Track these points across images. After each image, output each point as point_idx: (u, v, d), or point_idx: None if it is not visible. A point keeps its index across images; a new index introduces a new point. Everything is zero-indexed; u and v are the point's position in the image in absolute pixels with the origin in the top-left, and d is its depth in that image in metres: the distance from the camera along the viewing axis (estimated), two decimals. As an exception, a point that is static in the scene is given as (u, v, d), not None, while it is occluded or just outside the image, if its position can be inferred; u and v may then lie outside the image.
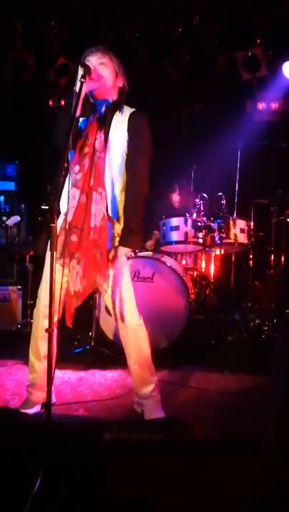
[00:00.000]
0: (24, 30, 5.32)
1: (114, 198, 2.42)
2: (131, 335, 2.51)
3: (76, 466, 1.93)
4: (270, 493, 0.65)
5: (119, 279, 2.49)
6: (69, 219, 2.32)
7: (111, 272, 2.45)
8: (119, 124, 2.40)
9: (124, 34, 5.35)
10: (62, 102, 5.51)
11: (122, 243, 2.46)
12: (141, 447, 1.73)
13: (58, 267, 2.32)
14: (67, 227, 2.31)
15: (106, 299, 2.53)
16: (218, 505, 1.58)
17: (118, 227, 2.47)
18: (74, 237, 2.33)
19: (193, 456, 1.69)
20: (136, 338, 2.52)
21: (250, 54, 5.18)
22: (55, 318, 2.51)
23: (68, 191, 2.28)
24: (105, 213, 2.36)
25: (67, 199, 2.31)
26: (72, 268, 2.35)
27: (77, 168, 2.32)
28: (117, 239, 2.48)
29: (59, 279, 2.34)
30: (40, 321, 2.47)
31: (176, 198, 5.06)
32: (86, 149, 2.32)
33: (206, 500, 1.58)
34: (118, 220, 2.47)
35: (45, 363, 2.26)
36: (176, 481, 1.61)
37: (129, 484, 1.62)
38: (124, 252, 2.47)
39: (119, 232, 2.47)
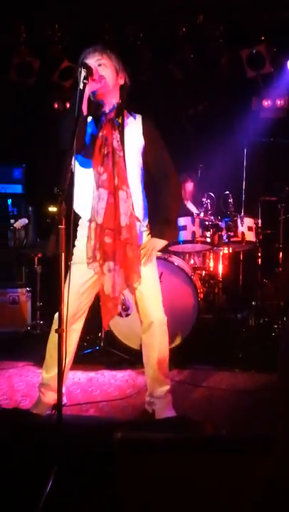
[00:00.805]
0: (28, 34, 5.35)
1: (137, 196, 2.44)
2: (157, 331, 2.52)
3: (87, 466, 1.93)
4: (280, 491, 0.65)
5: (151, 274, 2.51)
6: (100, 221, 2.33)
7: (144, 268, 2.46)
8: (134, 127, 2.44)
9: (128, 35, 5.35)
10: (68, 105, 5.52)
11: (157, 235, 2.49)
12: (152, 446, 1.73)
13: (85, 270, 2.35)
14: (98, 230, 2.33)
15: (137, 295, 2.52)
16: (230, 504, 1.57)
17: (142, 224, 2.49)
18: (108, 239, 2.35)
19: (205, 455, 1.69)
20: (160, 335, 2.53)
21: (254, 51, 5.17)
22: (81, 322, 2.52)
23: (88, 194, 2.29)
24: (132, 211, 2.38)
25: (93, 201, 2.34)
26: (107, 271, 2.36)
27: (101, 169, 2.34)
28: (146, 233, 2.52)
29: (86, 283, 2.39)
30: (68, 326, 2.46)
31: (189, 186, 5.04)
32: (105, 149, 2.34)
33: (218, 499, 1.58)
34: (142, 218, 2.50)
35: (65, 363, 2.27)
36: (187, 480, 1.61)
37: (140, 484, 1.62)
38: (160, 244, 2.50)
39: (144, 227, 2.51)
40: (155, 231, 2.51)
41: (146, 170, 2.50)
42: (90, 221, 2.37)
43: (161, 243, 2.50)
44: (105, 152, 2.34)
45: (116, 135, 2.36)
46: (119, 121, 2.39)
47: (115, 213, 2.34)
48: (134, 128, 2.44)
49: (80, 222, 2.46)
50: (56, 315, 2.45)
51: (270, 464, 0.65)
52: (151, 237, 2.52)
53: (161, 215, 2.51)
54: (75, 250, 2.45)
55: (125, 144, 2.39)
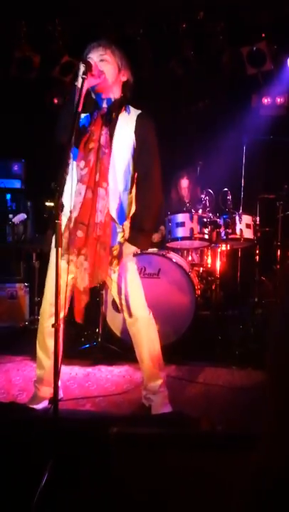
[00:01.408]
0: (28, 29, 5.34)
1: (117, 195, 2.42)
2: (142, 328, 2.52)
3: (83, 460, 1.94)
4: (266, 480, 0.65)
5: (125, 274, 2.50)
6: (75, 215, 2.33)
7: (116, 268, 2.47)
8: (126, 123, 2.40)
9: (129, 31, 5.34)
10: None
11: (130, 241, 2.47)
12: (147, 442, 1.74)
13: (63, 264, 2.34)
14: (72, 223, 2.33)
15: (114, 294, 2.54)
16: (225, 500, 1.58)
17: (126, 224, 2.48)
18: (80, 233, 2.34)
19: (200, 451, 1.70)
20: (146, 331, 2.53)
21: (255, 48, 5.16)
22: (61, 315, 2.53)
23: (72, 187, 2.28)
24: (108, 209, 2.37)
25: (72, 195, 2.32)
26: (79, 265, 2.36)
27: (82, 163, 2.33)
28: (120, 235, 2.49)
29: (64, 276, 2.37)
30: (47, 318, 2.48)
31: (184, 183, 5.03)
32: (91, 144, 2.32)
33: (213, 495, 1.59)
34: (126, 218, 2.49)
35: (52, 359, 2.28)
36: (183, 476, 1.62)
37: (135, 479, 1.63)
38: (131, 250, 2.48)
39: (125, 228, 2.48)
40: (128, 237, 2.48)
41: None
42: (70, 213, 2.36)
43: (132, 249, 2.48)
44: (90, 147, 2.32)
45: (105, 131, 2.33)
46: (113, 116, 2.36)
47: (91, 209, 2.33)
48: (126, 124, 2.40)
49: (64, 211, 2.45)
50: (42, 310, 2.49)
51: (257, 453, 0.66)
52: (125, 240, 2.49)
53: (135, 223, 2.47)
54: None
55: (114, 141, 2.36)
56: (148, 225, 2.48)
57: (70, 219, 2.35)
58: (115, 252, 2.46)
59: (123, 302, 2.52)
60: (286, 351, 0.71)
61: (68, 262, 2.32)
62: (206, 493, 1.58)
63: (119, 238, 2.50)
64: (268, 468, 0.66)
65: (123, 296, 2.51)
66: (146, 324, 2.54)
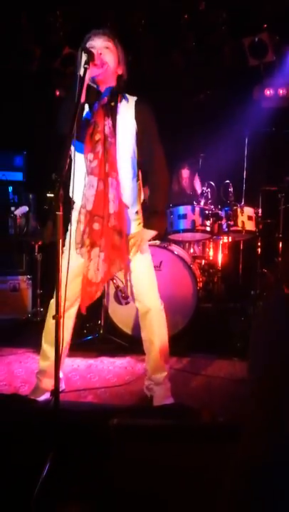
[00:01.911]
0: (29, 21, 5.31)
1: (128, 183, 2.43)
2: (154, 319, 2.54)
3: (84, 452, 1.95)
4: (249, 469, 0.66)
5: (143, 262, 2.52)
6: (89, 208, 2.34)
7: (134, 257, 2.47)
8: (126, 111, 2.40)
9: (130, 22, 5.30)
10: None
11: (147, 226, 2.50)
12: (148, 433, 1.74)
13: (75, 256, 2.35)
14: (87, 216, 2.33)
15: (134, 283, 2.54)
16: (225, 491, 1.59)
17: (130, 212, 2.48)
18: (96, 226, 2.35)
19: (202, 442, 1.71)
20: (158, 322, 2.55)
21: (256, 39, 5.12)
22: (74, 308, 2.54)
23: (72, 180, 2.28)
24: (121, 198, 2.38)
25: (83, 188, 2.33)
26: (94, 256, 2.37)
27: (91, 155, 2.32)
28: (136, 222, 2.51)
29: (76, 268, 2.38)
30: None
31: (185, 173, 5.04)
32: (97, 136, 2.32)
33: (214, 487, 1.60)
34: (138, 204, 2.51)
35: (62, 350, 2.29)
36: (183, 467, 1.63)
37: (136, 469, 1.64)
38: (150, 234, 2.51)
39: (133, 216, 2.50)
40: (145, 222, 2.52)
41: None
42: (82, 207, 2.37)
43: (150, 233, 2.51)
44: (96, 139, 2.32)
45: (108, 121, 2.33)
46: (112, 105, 2.36)
47: (104, 200, 2.34)
48: (126, 112, 2.40)
49: (74, 206, 2.46)
50: (52, 301, 2.48)
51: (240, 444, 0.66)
52: (143, 227, 2.53)
53: (150, 207, 2.52)
54: (68, 235, 2.45)
55: (118, 130, 2.36)
56: (161, 207, 2.53)
57: (83, 213, 2.36)
58: (133, 241, 2.47)
59: (139, 291, 2.52)
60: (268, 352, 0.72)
61: (83, 255, 2.34)
62: (206, 484, 1.59)
63: (136, 226, 2.51)
64: (251, 457, 0.67)
65: (140, 286, 2.52)
66: (159, 315, 2.56)
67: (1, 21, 5.19)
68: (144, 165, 2.49)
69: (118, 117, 2.37)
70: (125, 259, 2.43)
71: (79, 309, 2.53)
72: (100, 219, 2.34)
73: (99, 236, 2.35)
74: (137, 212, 2.52)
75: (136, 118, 2.39)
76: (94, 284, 2.39)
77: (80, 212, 2.37)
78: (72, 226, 2.45)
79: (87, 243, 2.36)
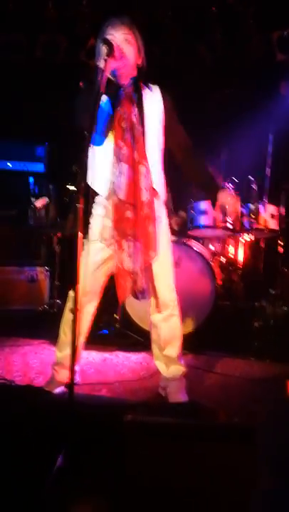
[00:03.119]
0: (55, 11, 5.29)
1: (157, 171, 2.41)
2: (170, 312, 2.50)
3: (97, 445, 1.94)
4: None
5: (167, 255, 2.49)
6: (121, 196, 2.30)
7: (161, 249, 2.43)
8: (152, 99, 2.39)
9: (157, 13, 5.24)
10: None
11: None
12: (161, 430, 1.72)
13: (96, 249, 2.33)
14: (120, 205, 2.31)
15: (154, 275, 2.47)
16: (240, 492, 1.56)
17: (160, 201, 2.46)
18: (129, 214, 2.31)
19: (216, 441, 1.68)
20: (173, 316, 2.52)
21: (285, 33, 5.02)
22: (95, 302, 2.51)
23: (93, 172, 2.25)
24: (152, 187, 2.36)
25: (112, 177, 2.30)
26: (126, 247, 2.32)
27: (121, 143, 2.30)
28: (164, 212, 2.50)
29: (97, 262, 2.36)
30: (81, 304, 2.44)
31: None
32: (124, 124, 2.30)
33: (226, 485, 1.57)
34: (162, 194, 2.48)
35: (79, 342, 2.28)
36: (197, 466, 1.61)
37: (149, 467, 1.62)
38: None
39: (162, 206, 2.49)
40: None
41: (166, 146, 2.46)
42: (110, 196, 2.34)
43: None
44: (124, 126, 2.30)
45: (134, 110, 2.31)
46: (137, 95, 2.34)
47: (135, 188, 2.31)
48: (152, 101, 2.39)
49: (97, 199, 2.43)
50: (71, 293, 2.46)
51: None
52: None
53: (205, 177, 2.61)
54: (91, 228, 2.42)
55: (145, 119, 2.34)
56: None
57: (113, 202, 2.32)
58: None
59: (160, 284, 2.47)
60: None
61: (114, 245, 2.31)
62: (219, 483, 1.56)
63: (165, 216, 2.50)
64: None
65: (161, 278, 2.47)
66: (175, 310, 2.52)
67: (27, 11, 5.19)
68: (178, 151, 2.52)
69: (145, 106, 2.35)
70: (156, 247, 2.38)
71: (101, 303, 2.51)
72: (132, 207, 2.31)
73: (131, 225, 2.31)
74: (165, 200, 2.51)
75: (163, 104, 2.40)
76: (132, 274, 2.34)
77: (110, 203, 2.34)
78: (96, 219, 2.43)
79: (116, 234, 2.33)
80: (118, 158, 2.31)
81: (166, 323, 2.52)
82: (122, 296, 2.40)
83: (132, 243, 2.32)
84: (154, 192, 2.37)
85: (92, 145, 2.26)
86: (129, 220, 2.31)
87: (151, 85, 2.42)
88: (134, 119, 2.31)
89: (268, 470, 0.67)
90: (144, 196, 2.31)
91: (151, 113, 2.37)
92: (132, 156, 2.30)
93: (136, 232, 2.32)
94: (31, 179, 4.95)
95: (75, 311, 1.90)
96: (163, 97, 2.41)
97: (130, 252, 2.32)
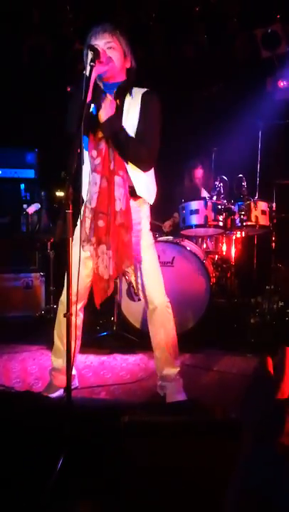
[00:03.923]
0: (40, 16, 5.30)
1: (140, 177, 2.42)
2: (160, 316, 2.53)
3: (97, 447, 1.95)
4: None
5: (150, 259, 2.52)
6: (93, 205, 2.33)
7: (142, 254, 2.47)
8: (132, 106, 2.36)
9: (141, 15, 5.26)
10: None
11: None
12: (160, 430, 1.74)
13: (85, 254, 2.34)
14: (91, 213, 2.33)
15: (134, 281, 2.53)
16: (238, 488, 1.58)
17: (146, 208, 2.50)
18: (101, 223, 2.34)
19: (214, 439, 1.70)
20: (164, 319, 2.54)
21: (269, 31, 5.05)
22: (81, 304, 2.54)
23: (81, 177, 2.26)
24: (128, 196, 2.36)
25: (88, 185, 2.32)
26: (101, 253, 2.36)
27: (94, 153, 2.31)
28: (147, 220, 2.52)
29: (86, 267, 2.39)
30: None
31: (199, 173, 5.00)
32: (100, 133, 2.30)
33: (226, 484, 1.59)
34: (148, 199, 2.50)
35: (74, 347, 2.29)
36: (195, 464, 1.62)
37: (147, 465, 1.63)
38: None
39: (147, 212, 2.52)
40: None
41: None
42: (87, 203, 2.36)
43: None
44: (100, 136, 2.30)
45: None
46: (118, 103, 2.32)
47: (109, 198, 2.32)
48: (132, 107, 2.36)
49: (84, 203, 2.46)
50: (62, 299, 2.48)
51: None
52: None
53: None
54: (76, 231, 2.43)
55: (125, 128, 2.32)
56: (123, 135, 2.28)
57: (89, 209, 2.35)
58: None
59: (146, 288, 2.51)
60: None
61: (91, 252, 2.33)
62: (218, 481, 1.58)
63: (147, 223, 2.52)
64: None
65: (146, 282, 2.50)
66: (167, 311, 2.55)
67: (12, 17, 5.20)
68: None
69: (124, 114, 2.34)
70: (132, 256, 2.42)
71: (91, 306, 2.53)
72: (105, 216, 2.33)
73: (104, 233, 2.34)
74: (149, 208, 2.53)
75: (141, 109, 2.34)
76: (104, 281, 2.38)
77: (84, 210, 2.37)
78: (79, 224, 2.45)
79: (93, 240, 2.35)
80: (92, 168, 2.32)
81: (158, 325, 2.54)
82: (97, 301, 2.42)
83: (104, 250, 2.35)
84: (129, 201, 2.36)
85: (84, 150, 2.29)
86: (101, 229, 2.34)
87: (136, 90, 2.38)
88: None
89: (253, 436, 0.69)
90: (118, 206, 2.33)
91: (131, 121, 2.34)
92: (107, 166, 2.30)
93: (109, 241, 2.34)
94: (22, 186, 4.96)
95: (68, 317, 1.92)
96: (144, 100, 2.34)
97: (104, 259, 2.36)
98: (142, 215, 2.50)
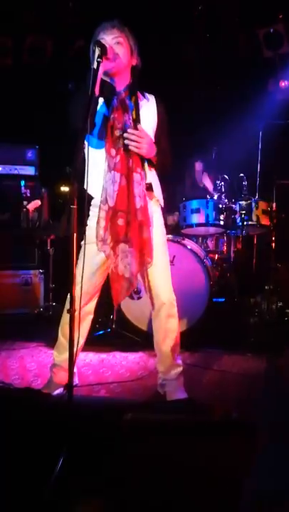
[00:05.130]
0: (40, 14, 5.28)
1: (153, 176, 2.45)
2: (167, 311, 2.51)
3: (97, 446, 1.95)
4: None
5: (163, 255, 2.52)
6: (111, 204, 2.32)
7: (156, 250, 2.45)
8: (148, 109, 2.42)
9: (141, 13, 5.24)
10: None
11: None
12: (161, 428, 1.73)
13: (94, 250, 2.35)
14: (110, 213, 2.32)
15: (151, 275, 2.49)
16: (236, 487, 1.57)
17: (157, 205, 2.51)
18: (121, 221, 2.33)
19: (214, 437, 1.69)
20: (171, 315, 2.53)
21: (271, 30, 5.05)
22: (93, 304, 2.53)
23: (87, 174, 2.26)
24: (146, 193, 2.37)
25: (105, 185, 2.32)
26: (121, 252, 2.34)
27: (113, 151, 2.31)
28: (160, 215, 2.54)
29: (96, 263, 2.39)
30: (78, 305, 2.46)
31: (199, 166, 5.02)
32: (117, 132, 2.30)
33: (227, 482, 1.58)
34: (159, 198, 2.52)
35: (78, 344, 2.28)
36: (197, 463, 1.62)
37: (148, 464, 1.63)
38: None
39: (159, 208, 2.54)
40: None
41: None
42: (102, 203, 2.35)
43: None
44: (117, 135, 2.30)
45: (128, 117, 2.31)
46: (132, 102, 2.34)
47: (128, 196, 2.32)
48: (148, 109, 2.41)
49: (93, 201, 2.44)
50: (68, 295, 2.46)
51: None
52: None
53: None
54: (88, 230, 2.43)
55: (140, 126, 2.34)
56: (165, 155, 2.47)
57: (104, 209, 2.34)
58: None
59: (156, 283, 2.49)
60: None
61: (106, 252, 2.33)
62: (219, 480, 1.58)
63: (159, 217, 2.54)
64: None
65: (158, 279, 2.49)
66: (174, 308, 2.54)
67: (13, 14, 5.17)
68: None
69: (141, 113, 2.36)
70: (152, 253, 2.41)
71: (97, 305, 2.52)
72: (124, 214, 2.32)
73: (123, 231, 2.33)
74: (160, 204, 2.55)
75: (158, 116, 2.43)
76: (126, 279, 2.36)
77: (100, 210, 2.35)
78: (91, 222, 2.43)
79: (109, 240, 2.34)
80: (110, 166, 2.32)
81: (163, 322, 2.53)
82: (117, 300, 2.42)
83: (126, 249, 2.34)
84: (150, 196, 2.40)
85: (90, 147, 2.29)
86: (121, 227, 2.33)
87: (147, 94, 2.44)
88: (128, 127, 2.31)
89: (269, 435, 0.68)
90: (138, 203, 2.33)
91: (148, 121, 2.39)
92: (126, 164, 2.31)
93: (130, 238, 2.34)
94: (22, 182, 4.94)
95: (72, 313, 1.91)
96: (158, 107, 2.44)
97: (124, 258, 2.34)
98: (154, 209, 2.49)
